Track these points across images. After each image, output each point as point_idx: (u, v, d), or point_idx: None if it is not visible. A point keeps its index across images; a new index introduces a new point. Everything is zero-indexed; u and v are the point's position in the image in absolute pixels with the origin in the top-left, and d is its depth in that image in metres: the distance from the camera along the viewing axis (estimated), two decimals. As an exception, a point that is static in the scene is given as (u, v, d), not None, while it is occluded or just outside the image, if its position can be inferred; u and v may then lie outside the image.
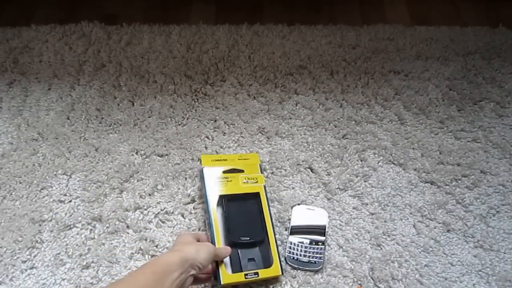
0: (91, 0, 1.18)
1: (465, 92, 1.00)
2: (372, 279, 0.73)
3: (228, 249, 0.67)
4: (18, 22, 1.10)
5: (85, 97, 0.95)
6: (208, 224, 0.72)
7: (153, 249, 0.74)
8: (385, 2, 1.22)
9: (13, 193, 0.80)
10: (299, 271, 0.73)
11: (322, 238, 0.76)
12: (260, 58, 1.04)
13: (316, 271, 0.73)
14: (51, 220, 0.77)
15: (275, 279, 0.72)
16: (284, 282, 0.72)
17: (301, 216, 0.78)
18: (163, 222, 0.78)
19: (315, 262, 0.73)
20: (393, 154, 0.89)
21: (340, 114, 0.95)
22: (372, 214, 0.81)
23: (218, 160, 0.81)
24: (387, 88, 1.00)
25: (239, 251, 0.70)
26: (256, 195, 0.76)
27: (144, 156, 0.86)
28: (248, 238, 0.71)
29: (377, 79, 1.02)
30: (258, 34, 1.09)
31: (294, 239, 0.76)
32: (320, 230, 0.77)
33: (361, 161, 0.88)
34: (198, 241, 0.66)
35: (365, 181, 0.85)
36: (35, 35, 1.06)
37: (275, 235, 0.73)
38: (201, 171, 0.77)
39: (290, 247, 0.75)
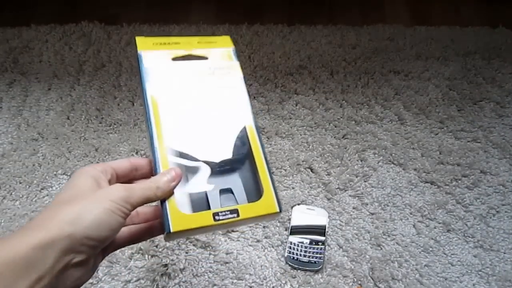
0: (91, 0, 1.18)
1: (465, 92, 1.00)
2: (372, 279, 0.73)
3: (174, 172, 0.39)
4: (18, 22, 1.10)
5: (85, 97, 0.95)
6: (149, 139, 0.42)
7: (153, 249, 0.74)
8: (385, 2, 1.22)
9: (13, 193, 0.80)
10: (299, 271, 0.73)
11: (322, 238, 0.76)
12: (260, 58, 1.04)
13: (316, 271, 0.73)
14: (51, 220, 0.77)
15: (270, 221, 0.71)
16: (284, 282, 0.72)
17: (301, 216, 0.78)
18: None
19: (315, 262, 0.73)
20: (393, 154, 0.89)
21: (340, 114, 0.95)
22: (372, 214, 0.81)
23: (165, 43, 0.50)
24: (387, 88, 1.00)
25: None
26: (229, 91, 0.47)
27: (144, 156, 0.86)
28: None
29: (377, 79, 1.02)
30: (258, 34, 1.09)
31: (294, 239, 0.76)
32: (320, 230, 0.77)
33: (361, 161, 0.88)
34: (127, 179, 0.42)
35: (365, 181, 0.85)
36: (35, 35, 1.06)
37: (265, 155, 0.43)
38: (138, 59, 0.47)
39: (290, 247, 0.75)
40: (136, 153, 0.86)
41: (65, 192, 0.35)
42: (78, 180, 0.36)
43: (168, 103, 0.44)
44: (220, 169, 0.43)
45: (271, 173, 0.43)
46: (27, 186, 0.81)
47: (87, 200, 0.34)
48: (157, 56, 0.46)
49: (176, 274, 0.71)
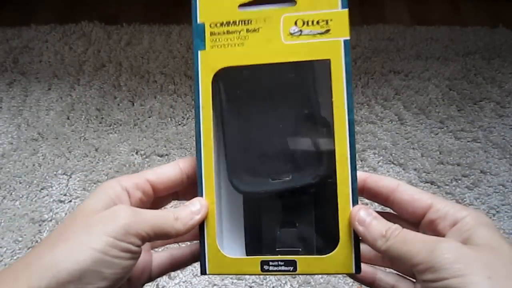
0: (91, 0, 1.18)
1: (465, 92, 1.00)
2: (372, 279, 0.73)
3: (199, 204, 0.30)
4: (18, 22, 1.10)
5: (85, 97, 0.95)
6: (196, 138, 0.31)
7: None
8: (385, 2, 1.22)
9: (13, 193, 0.80)
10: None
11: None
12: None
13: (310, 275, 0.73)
14: (51, 220, 0.77)
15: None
16: (284, 282, 0.72)
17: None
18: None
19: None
20: (393, 154, 0.89)
21: (340, 114, 0.95)
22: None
23: None
24: (387, 88, 1.00)
25: (261, 208, 0.33)
26: (321, 70, 0.31)
27: (144, 156, 0.86)
28: (290, 178, 0.32)
29: (377, 79, 1.02)
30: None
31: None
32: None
33: (361, 161, 0.88)
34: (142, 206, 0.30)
35: (365, 181, 0.85)
36: (35, 35, 1.06)
37: (354, 188, 0.30)
38: (191, 7, 0.32)
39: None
40: (136, 153, 0.86)
41: (69, 218, 0.27)
42: (89, 200, 0.27)
43: (226, 87, 0.31)
44: (286, 193, 0.32)
45: (356, 200, 0.30)
46: (27, 186, 0.81)
47: (73, 236, 0.25)
48: (221, 2, 0.31)
49: (176, 274, 0.71)
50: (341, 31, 0.30)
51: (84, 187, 0.81)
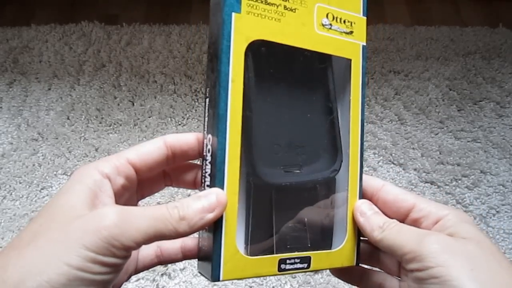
0: (91, 0, 1.18)
1: (465, 92, 1.00)
2: (372, 279, 0.73)
3: (216, 198, 0.24)
4: (18, 22, 1.10)
5: (85, 97, 0.95)
6: (210, 108, 0.27)
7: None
8: (385, 2, 1.22)
9: (13, 193, 0.80)
10: (299, 271, 0.73)
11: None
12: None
13: (316, 271, 0.73)
14: (51, 220, 0.77)
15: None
16: (284, 282, 0.72)
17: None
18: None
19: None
20: (393, 154, 0.89)
21: (340, 114, 0.95)
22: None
23: None
24: (387, 88, 1.00)
25: (273, 201, 0.30)
26: (337, 67, 0.32)
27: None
28: (298, 170, 0.31)
29: (377, 79, 1.02)
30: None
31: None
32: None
33: (361, 161, 0.88)
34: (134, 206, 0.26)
35: (365, 181, 0.85)
36: (35, 35, 1.06)
37: (361, 187, 0.31)
38: None
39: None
40: (136, 153, 0.86)
41: (45, 216, 0.23)
42: (67, 193, 0.23)
43: (256, 62, 0.28)
44: (297, 190, 0.30)
45: (361, 194, 0.31)
46: (27, 186, 0.81)
47: (47, 246, 0.21)
48: None
49: (176, 274, 0.71)
50: (361, 36, 0.31)
51: (84, 187, 0.81)
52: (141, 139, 0.88)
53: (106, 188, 0.24)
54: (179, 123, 0.91)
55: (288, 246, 0.29)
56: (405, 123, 0.94)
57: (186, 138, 0.27)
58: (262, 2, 0.27)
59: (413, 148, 0.90)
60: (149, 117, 0.92)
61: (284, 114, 0.30)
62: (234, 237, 0.25)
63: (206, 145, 0.27)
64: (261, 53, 0.29)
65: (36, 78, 0.98)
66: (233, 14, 0.26)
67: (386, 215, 0.30)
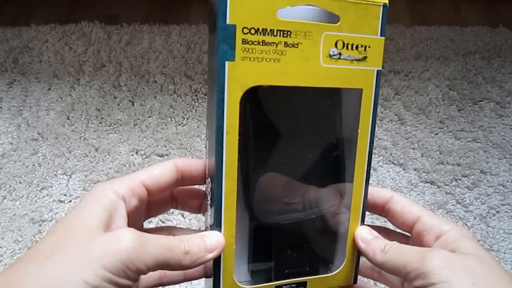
0: (91, 0, 1.18)
1: (465, 92, 1.00)
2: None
3: (216, 240, 0.26)
4: (18, 22, 1.10)
5: (85, 97, 0.95)
6: (208, 154, 0.28)
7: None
8: (385, 2, 1.22)
9: (13, 193, 0.80)
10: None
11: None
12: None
13: None
14: (51, 220, 0.77)
15: None
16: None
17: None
18: (163, 223, 0.78)
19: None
20: (393, 154, 0.89)
21: (340, 114, 0.95)
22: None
23: None
24: (387, 88, 1.00)
25: (273, 234, 0.31)
26: (347, 97, 0.31)
27: (144, 156, 0.86)
28: (299, 200, 0.31)
29: (377, 79, 1.02)
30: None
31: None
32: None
33: (361, 161, 0.88)
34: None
35: (365, 181, 0.85)
36: (35, 35, 1.06)
37: (364, 209, 0.31)
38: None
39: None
40: (136, 153, 0.86)
41: (63, 231, 0.24)
42: (84, 211, 0.24)
43: (252, 106, 0.28)
44: (296, 212, 0.30)
45: (363, 220, 0.31)
46: (27, 186, 0.81)
47: (66, 261, 0.22)
48: (257, 2, 0.24)
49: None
50: (376, 60, 0.28)
51: (84, 187, 0.81)
52: (141, 139, 0.88)
53: (121, 209, 0.26)
54: (179, 123, 0.91)
55: (286, 271, 0.30)
56: (405, 123, 0.94)
57: (196, 164, 0.29)
58: (259, 43, 0.25)
59: (413, 148, 0.90)
60: (149, 117, 0.92)
61: (284, 157, 0.30)
62: (232, 273, 0.27)
63: (207, 187, 0.28)
64: (258, 98, 0.28)
65: (36, 78, 0.98)
66: (227, 63, 0.24)
67: (395, 226, 0.31)
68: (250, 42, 0.24)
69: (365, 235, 0.30)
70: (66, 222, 0.24)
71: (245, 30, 0.24)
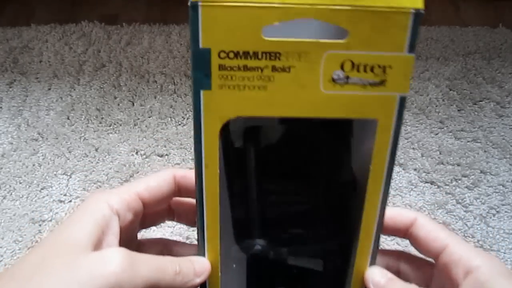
0: (91, 0, 1.18)
1: (465, 92, 1.00)
2: (372, 279, 0.73)
3: (203, 266, 0.26)
4: (18, 22, 1.10)
5: (85, 97, 0.95)
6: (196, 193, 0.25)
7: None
8: (385, 2, 1.22)
9: (13, 193, 0.80)
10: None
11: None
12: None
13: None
14: (51, 220, 0.77)
15: None
16: (284, 282, 0.72)
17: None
18: (163, 222, 0.78)
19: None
20: (393, 154, 0.89)
21: (340, 114, 0.95)
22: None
23: None
24: (387, 88, 1.00)
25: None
26: (358, 126, 0.26)
27: (144, 156, 0.86)
28: (301, 230, 0.29)
29: (377, 79, 1.02)
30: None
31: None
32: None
33: (361, 161, 0.88)
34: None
35: (365, 181, 0.85)
36: (35, 35, 1.06)
37: (376, 244, 0.26)
38: (193, 16, 0.20)
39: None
40: (136, 153, 0.86)
41: (48, 249, 0.22)
42: (73, 225, 0.23)
43: (236, 139, 0.26)
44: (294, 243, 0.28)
45: (374, 258, 0.27)
46: (27, 186, 0.81)
47: (50, 283, 0.20)
48: (236, 21, 0.20)
49: (176, 274, 0.71)
50: (400, 84, 0.22)
51: (84, 187, 0.81)
52: (141, 139, 0.88)
53: (114, 225, 0.24)
54: (179, 123, 0.91)
55: None
56: (405, 123, 0.94)
57: (188, 173, 0.28)
58: (240, 69, 0.21)
59: (413, 148, 0.90)
60: (149, 117, 0.92)
61: (273, 200, 0.27)
62: None
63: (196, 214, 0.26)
64: (241, 130, 0.25)
65: (36, 78, 0.98)
66: (202, 92, 0.21)
67: (419, 252, 0.28)
68: (229, 68, 0.21)
69: (377, 279, 0.26)
70: (54, 238, 0.23)
71: (222, 54, 0.21)
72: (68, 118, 0.92)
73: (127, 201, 0.25)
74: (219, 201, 0.24)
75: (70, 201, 0.79)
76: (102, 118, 0.92)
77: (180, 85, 0.97)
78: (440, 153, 0.90)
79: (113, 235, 0.24)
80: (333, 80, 0.21)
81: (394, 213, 0.28)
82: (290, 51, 0.21)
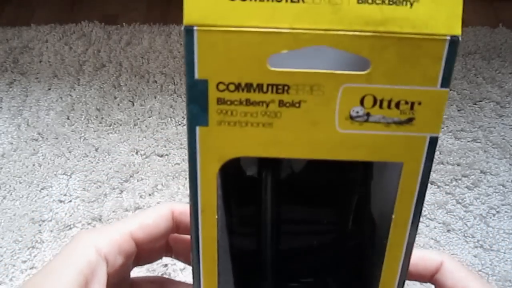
0: (91, 0, 1.18)
1: (465, 92, 1.00)
2: (372, 279, 0.73)
3: None
4: (18, 22, 1.10)
5: (85, 97, 0.95)
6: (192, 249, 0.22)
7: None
8: (385, 2, 1.22)
9: (13, 193, 0.80)
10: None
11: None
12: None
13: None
14: (51, 220, 0.77)
15: None
16: None
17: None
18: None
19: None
20: (393, 154, 0.89)
21: (340, 114, 0.95)
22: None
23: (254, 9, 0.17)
24: (387, 88, 1.00)
25: None
26: (379, 167, 0.23)
27: (144, 156, 0.86)
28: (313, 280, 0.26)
29: (377, 79, 1.02)
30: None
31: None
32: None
33: (361, 161, 0.88)
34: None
35: (365, 181, 0.85)
36: (35, 35, 1.06)
37: None
38: (187, 42, 0.19)
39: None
40: (136, 153, 0.86)
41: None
42: (54, 273, 0.20)
43: (237, 181, 0.23)
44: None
45: None
46: (27, 186, 0.81)
47: None
48: (238, 48, 0.18)
49: (176, 274, 0.71)
50: (431, 123, 0.19)
51: (84, 187, 0.81)
52: (141, 139, 0.88)
53: (100, 272, 0.21)
54: (179, 123, 0.91)
55: None
56: (405, 123, 0.94)
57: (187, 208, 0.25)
58: (241, 103, 0.18)
59: (413, 148, 0.90)
60: (149, 117, 0.92)
61: (281, 250, 0.24)
62: None
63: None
64: (242, 171, 0.22)
65: (36, 78, 0.98)
66: (198, 128, 0.19)
67: None
68: (229, 102, 0.18)
69: None
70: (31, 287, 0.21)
71: (221, 86, 0.18)
72: (68, 118, 0.92)
73: (118, 243, 0.22)
74: (217, 247, 0.21)
75: (70, 201, 0.79)
76: (102, 118, 0.92)
77: (180, 85, 0.97)
78: (440, 153, 0.90)
79: (99, 284, 0.21)
80: (351, 117, 0.18)
81: (418, 257, 0.24)
82: (301, 83, 0.18)
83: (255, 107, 0.18)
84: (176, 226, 0.24)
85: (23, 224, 0.76)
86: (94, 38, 1.06)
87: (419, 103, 0.18)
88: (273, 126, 0.18)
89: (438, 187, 0.85)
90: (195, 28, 0.18)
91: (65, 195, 0.80)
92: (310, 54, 0.18)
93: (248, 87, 0.18)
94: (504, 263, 0.76)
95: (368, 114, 0.18)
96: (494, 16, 1.19)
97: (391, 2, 0.17)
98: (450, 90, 1.01)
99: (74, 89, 0.97)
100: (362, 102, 0.18)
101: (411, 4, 0.17)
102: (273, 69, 0.17)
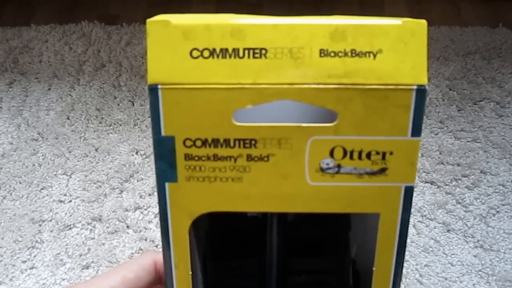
0: (91, 0, 1.18)
1: (465, 92, 1.00)
2: (372, 279, 0.73)
3: None
4: (18, 22, 1.10)
5: (85, 97, 0.95)
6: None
7: (153, 249, 0.74)
8: (385, 2, 1.22)
9: (13, 193, 0.80)
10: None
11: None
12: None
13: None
14: (51, 220, 0.77)
15: None
16: (284, 282, 0.72)
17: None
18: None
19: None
20: (393, 154, 0.89)
21: (340, 114, 0.95)
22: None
23: (227, 53, 0.17)
24: (387, 88, 1.00)
25: None
26: (356, 220, 0.24)
27: (144, 156, 0.86)
28: None
29: (377, 79, 1.02)
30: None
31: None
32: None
33: (361, 161, 0.88)
34: None
35: (365, 181, 0.85)
36: (35, 35, 1.06)
37: None
38: (152, 101, 0.19)
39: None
40: (136, 153, 0.86)
41: None
42: None
43: (209, 234, 0.24)
44: None
45: None
46: (27, 186, 0.81)
47: None
48: (202, 105, 0.18)
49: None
50: (404, 173, 0.18)
51: (84, 187, 0.81)
52: (141, 139, 0.88)
53: None
54: (179, 123, 0.91)
55: None
56: (405, 123, 0.94)
57: None
58: (209, 158, 0.18)
59: (413, 148, 0.90)
60: (149, 117, 0.92)
61: None
62: None
63: None
64: (213, 225, 0.22)
65: (36, 78, 0.98)
66: (167, 184, 0.19)
67: None
68: (197, 158, 0.18)
69: None
70: None
71: (188, 143, 0.18)
72: (68, 118, 0.92)
73: None
74: None
75: (70, 201, 0.79)
76: (102, 118, 0.92)
77: (180, 85, 0.97)
78: (440, 153, 0.90)
79: None
80: (322, 169, 0.18)
81: None
82: (268, 137, 0.18)
83: (223, 162, 0.18)
84: (159, 278, 0.24)
85: (23, 224, 0.76)
86: (94, 38, 1.06)
87: (391, 153, 0.18)
88: (242, 180, 0.18)
89: (438, 187, 0.85)
90: (159, 86, 0.18)
91: (65, 195, 0.80)
92: (276, 108, 0.18)
93: (215, 142, 0.18)
94: (504, 263, 0.76)
95: (339, 166, 0.18)
96: (494, 16, 1.19)
97: (353, 55, 0.17)
98: (450, 90, 1.01)
99: (74, 89, 0.97)
100: (332, 154, 0.18)
101: (375, 56, 0.17)
102: (239, 124, 0.18)
